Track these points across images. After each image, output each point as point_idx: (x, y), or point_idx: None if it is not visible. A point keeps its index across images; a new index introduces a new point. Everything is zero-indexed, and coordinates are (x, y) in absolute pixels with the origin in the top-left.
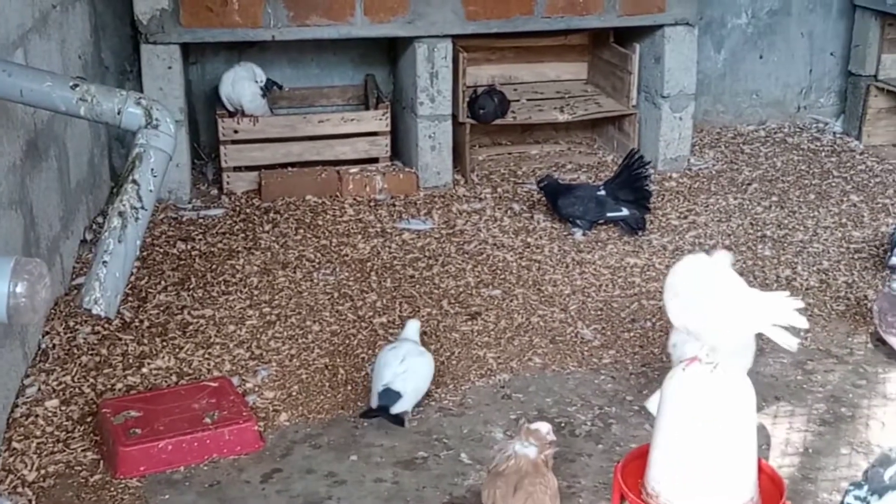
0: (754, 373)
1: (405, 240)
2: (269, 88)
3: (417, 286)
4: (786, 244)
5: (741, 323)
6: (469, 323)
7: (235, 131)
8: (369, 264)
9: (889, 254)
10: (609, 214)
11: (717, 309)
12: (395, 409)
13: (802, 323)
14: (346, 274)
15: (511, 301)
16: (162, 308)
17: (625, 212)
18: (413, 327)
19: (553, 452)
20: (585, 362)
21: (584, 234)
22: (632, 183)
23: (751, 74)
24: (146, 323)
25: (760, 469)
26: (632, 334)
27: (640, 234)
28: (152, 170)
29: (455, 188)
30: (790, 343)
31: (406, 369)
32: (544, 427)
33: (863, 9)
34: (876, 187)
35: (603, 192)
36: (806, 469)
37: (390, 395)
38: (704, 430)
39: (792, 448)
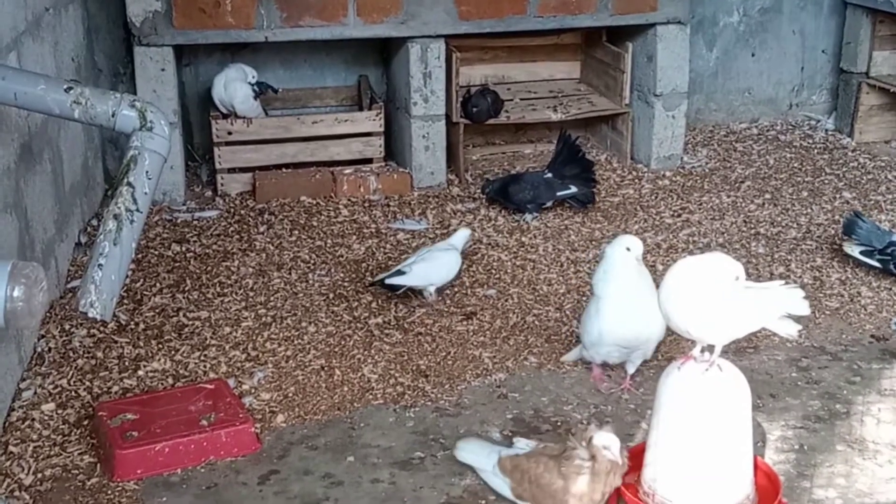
0: (749, 370)
1: (400, 240)
2: (262, 90)
3: None
4: (779, 241)
5: (746, 320)
6: (464, 323)
7: (229, 133)
8: (364, 265)
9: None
10: (559, 193)
11: (720, 308)
12: (391, 280)
13: (805, 310)
14: (342, 275)
15: (506, 300)
16: (157, 310)
17: (573, 189)
18: (460, 235)
19: (611, 471)
20: (581, 361)
21: (534, 218)
22: (573, 158)
23: (743, 72)
24: (142, 325)
25: (756, 466)
26: None
27: (589, 207)
28: (147, 172)
29: (449, 188)
30: (791, 331)
31: (423, 258)
32: (604, 440)
33: (854, 6)
34: (868, 184)
35: (550, 175)
36: (801, 466)
37: (398, 272)
38: (700, 428)
39: (787, 445)
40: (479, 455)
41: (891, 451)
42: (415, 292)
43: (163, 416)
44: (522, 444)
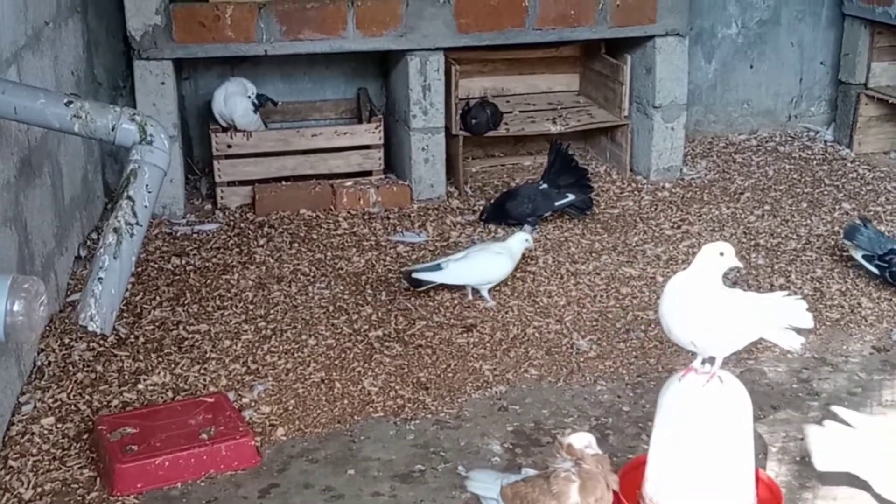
0: (750, 382)
1: (400, 252)
2: (262, 103)
3: (412, 299)
4: (779, 253)
5: (747, 330)
6: (464, 335)
7: (229, 146)
8: (364, 277)
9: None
10: (557, 203)
11: (721, 319)
12: (421, 274)
13: (808, 322)
14: (342, 287)
15: (506, 313)
16: (157, 324)
17: (571, 197)
18: (516, 237)
19: (600, 468)
20: (581, 373)
21: (533, 230)
22: (566, 168)
23: (741, 84)
24: (141, 339)
25: (758, 478)
26: (627, 345)
27: (588, 213)
28: (147, 186)
29: (449, 200)
30: (794, 344)
31: (463, 257)
32: (579, 440)
33: (852, 17)
34: (868, 195)
35: (545, 186)
36: (803, 478)
37: (431, 267)
38: (702, 439)
39: (789, 457)
40: (485, 484)
41: None
42: (459, 290)
43: (163, 429)
44: (530, 473)
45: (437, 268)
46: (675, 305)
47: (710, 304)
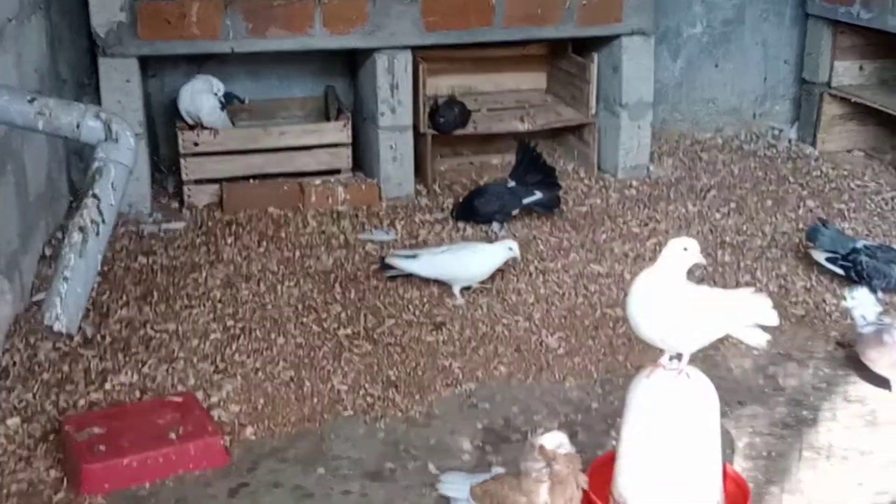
0: (717, 378)
1: (368, 251)
2: (229, 101)
3: (381, 297)
4: (745, 250)
5: (713, 326)
6: (434, 333)
7: (196, 144)
8: (333, 276)
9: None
10: (525, 201)
11: (687, 316)
12: (391, 259)
13: (773, 320)
14: (310, 286)
15: (475, 310)
16: (124, 323)
17: (539, 195)
18: (501, 243)
19: (571, 469)
20: (550, 370)
21: (501, 228)
22: (534, 166)
23: (707, 83)
24: (108, 338)
25: (725, 473)
26: (596, 342)
27: (556, 211)
28: (112, 184)
29: (417, 198)
30: (760, 341)
31: (441, 251)
32: (551, 440)
33: (815, 17)
34: (831, 193)
35: (513, 184)
36: (770, 472)
37: (407, 255)
38: (669, 436)
39: (755, 452)
40: (456, 485)
41: (858, 457)
42: (428, 287)
43: (130, 429)
44: (500, 472)
45: (413, 257)
46: (641, 302)
47: (676, 300)
